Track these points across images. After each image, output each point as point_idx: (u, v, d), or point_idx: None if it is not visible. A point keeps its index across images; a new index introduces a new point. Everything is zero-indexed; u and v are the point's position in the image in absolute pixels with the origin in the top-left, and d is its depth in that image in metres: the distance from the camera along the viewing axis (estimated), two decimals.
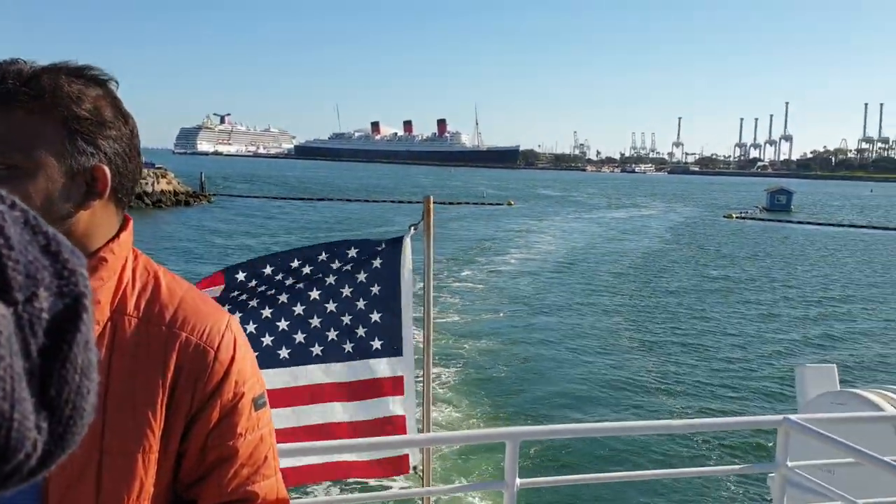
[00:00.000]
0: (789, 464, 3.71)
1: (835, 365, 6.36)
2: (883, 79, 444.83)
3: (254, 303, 4.62)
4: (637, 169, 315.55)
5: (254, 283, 4.64)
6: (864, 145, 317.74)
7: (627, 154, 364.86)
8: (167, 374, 1.49)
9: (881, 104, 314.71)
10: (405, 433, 4.85)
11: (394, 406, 4.89)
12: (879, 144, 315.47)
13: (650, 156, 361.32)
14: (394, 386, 4.91)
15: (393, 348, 4.93)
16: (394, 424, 4.86)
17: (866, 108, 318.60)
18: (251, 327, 4.58)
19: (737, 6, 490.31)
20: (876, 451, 3.58)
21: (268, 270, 4.69)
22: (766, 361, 20.40)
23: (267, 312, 4.62)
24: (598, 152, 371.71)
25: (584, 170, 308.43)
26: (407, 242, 4.97)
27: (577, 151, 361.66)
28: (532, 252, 43.43)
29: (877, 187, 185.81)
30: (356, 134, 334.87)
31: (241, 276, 4.63)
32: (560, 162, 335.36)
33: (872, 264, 42.47)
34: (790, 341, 22.93)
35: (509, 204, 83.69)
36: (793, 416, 3.73)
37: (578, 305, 28.09)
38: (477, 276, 33.82)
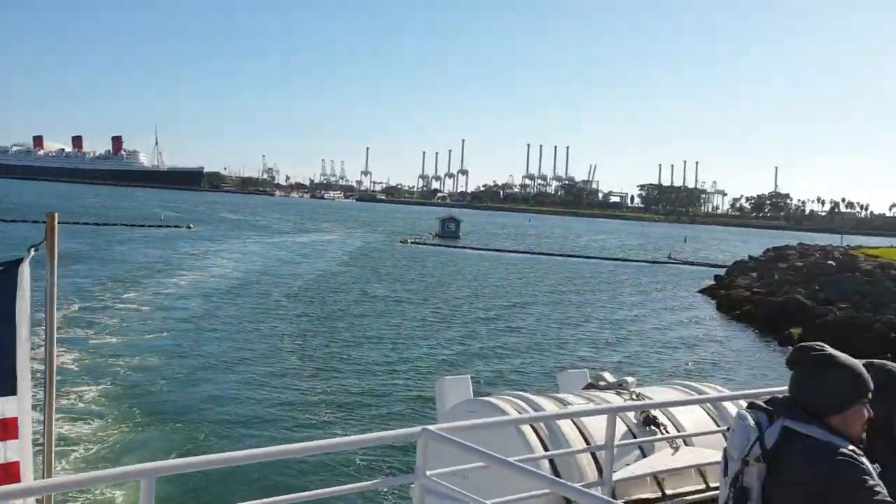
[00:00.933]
0: (428, 472, 3.75)
1: (469, 376, 6.85)
2: (543, 123, 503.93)
3: None
4: (326, 195, 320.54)
5: None
6: (527, 181, 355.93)
7: (318, 180, 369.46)
8: None
9: (541, 146, 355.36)
10: (20, 482, 4.24)
11: (7, 452, 4.29)
12: (539, 181, 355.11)
13: (340, 183, 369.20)
14: (6, 429, 4.31)
15: (6, 387, 4.30)
16: (7, 473, 4.26)
17: (528, 148, 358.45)
18: None
19: (411, 49, 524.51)
20: (504, 452, 3.81)
21: None
22: (420, 375, 21.86)
23: None
24: (288, 177, 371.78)
25: (272, 195, 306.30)
26: (25, 267, 4.37)
27: (265, 176, 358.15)
28: (206, 274, 42.57)
29: (535, 218, 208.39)
30: (14, 148, 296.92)
31: None
32: (247, 186, 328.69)
33: (517, 285, 47.81)
34: (442, 355, 24.98)
35: (189, 227, 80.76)
36: (430, 427, 3.79)
37: (246, 325, 28.25)
38: (142, 298, 32.51)
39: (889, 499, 3.12)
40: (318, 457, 13.52)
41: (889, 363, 3.88)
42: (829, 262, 46.16)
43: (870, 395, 3.41)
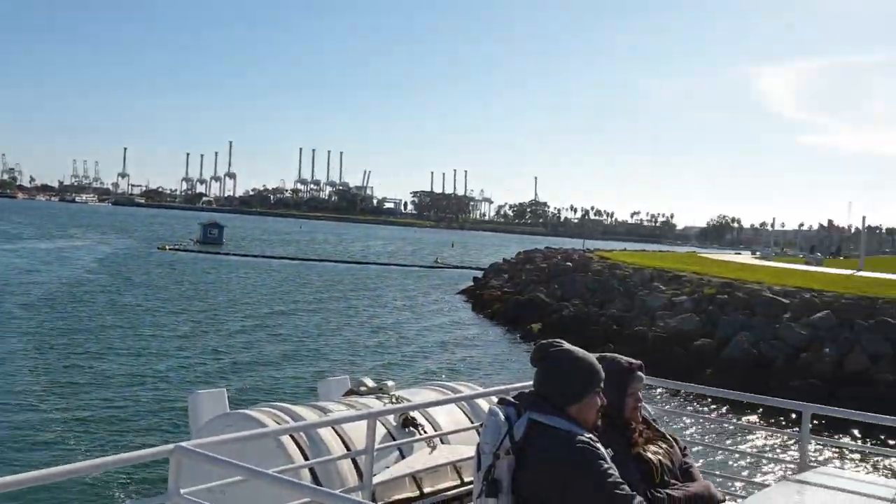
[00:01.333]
0: (182, 491, 3.65)
1: (224, 389, 6.60)
2: (317, 127, 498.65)
3: None
4: (78, 199, 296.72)
5: None
6: (300, 186, 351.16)
7: (68, 182, 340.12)
8: None
9: (313, 150, 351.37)
10: None
11: None
12: (312, 186, 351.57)
13: (93, 185, 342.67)
14: None
15: None
16: None
17: (301, 152, 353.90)
18: None
19: (171, 43, 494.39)
20: (264, 465, 3.77)
21: None
22: (174, 388, 20.39)
23: None
24: (33, 178, 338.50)
25: (14, 197, 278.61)
26: None
27: (6, 177, 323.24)
28: None
29: (307, 224, 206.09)
30: None
31: None
32: None
33: (280, 292, 46.65)
34: (197, 369, 23.46)
35: None
36: (184, 443, 3.68)
37: None
38: None
39: (620, 479, 3.39)
40: (60, 481, 12.30)
41: (618, 356, 4.29)
42: (568, 263, 49.81)
43: (602, 385, 3.68)
